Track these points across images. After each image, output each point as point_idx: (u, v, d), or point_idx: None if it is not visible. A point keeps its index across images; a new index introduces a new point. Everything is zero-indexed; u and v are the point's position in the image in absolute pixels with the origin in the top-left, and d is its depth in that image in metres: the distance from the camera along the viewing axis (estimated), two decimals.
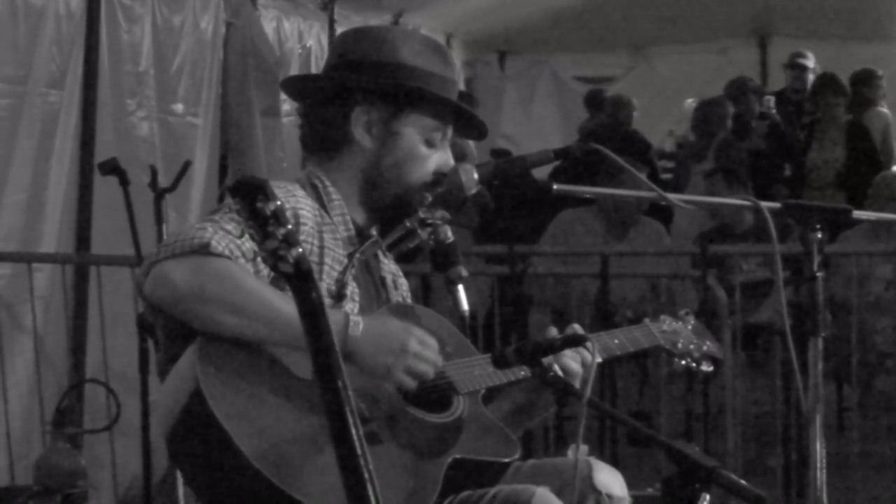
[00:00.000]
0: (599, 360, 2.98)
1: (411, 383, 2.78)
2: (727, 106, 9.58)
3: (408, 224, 2.97)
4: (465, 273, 2.94)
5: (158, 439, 2.78)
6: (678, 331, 3.30)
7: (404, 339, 2.77)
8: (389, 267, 3.13)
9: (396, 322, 2.82)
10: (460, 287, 2.92)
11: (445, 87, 3.00)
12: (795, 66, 10.68)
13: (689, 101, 11.76)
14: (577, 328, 2.94)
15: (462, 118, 3.08)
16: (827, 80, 9.37)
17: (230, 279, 2.69)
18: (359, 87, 2.97)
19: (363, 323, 2.75)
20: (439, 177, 3.00)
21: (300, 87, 3.13)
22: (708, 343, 3.34)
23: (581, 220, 7.50)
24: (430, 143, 3.00)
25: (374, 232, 3.04)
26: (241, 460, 2.56)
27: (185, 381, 2.64)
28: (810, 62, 10.65)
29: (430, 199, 2.97)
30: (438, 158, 3.01)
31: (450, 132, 3.05)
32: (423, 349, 2.79)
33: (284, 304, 2.65)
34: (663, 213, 8.05)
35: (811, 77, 10.39)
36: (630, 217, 7.45)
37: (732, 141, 9.35)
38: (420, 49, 3.01)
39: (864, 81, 9.96)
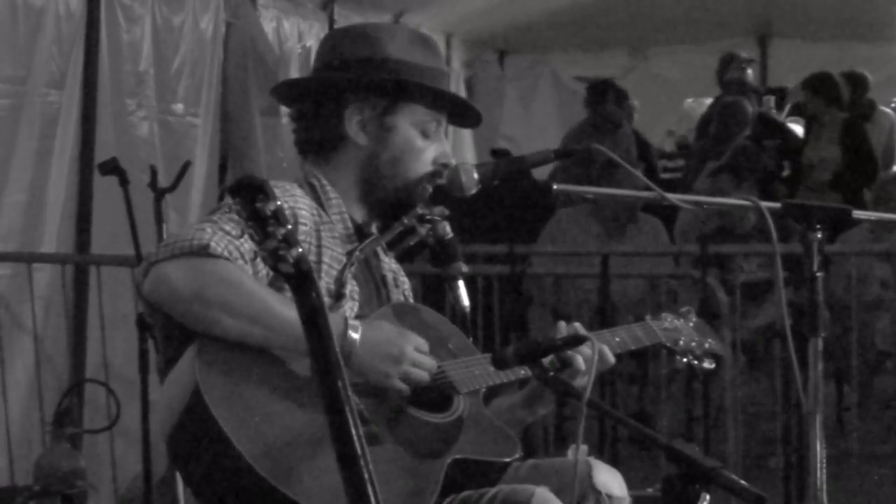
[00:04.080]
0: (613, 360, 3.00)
1: (407, 390, 2.79)
2: (748, 106, 9.57)
3: (406, 221, 2.98)
4: (464, 269, 2.94)
5: (158, 439, 2.78)
6: (680, 328, 3.29)
7: (402, 346, 2.78)
8: (390, 265, 3.13)
9: (394, 328, 2.82)
10: (460, 283, 2.92)
11: (435, 78, 3.01)
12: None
13: (689, 100, 11.76)
14: (578, 327, 2.94)
15: (455, 107, 3.10)
16: (820, 79, 9.35)
17: (229, 281, 2.69)
18: (349, 85, 2.98)
19: (361, 327, 2.75)
20: (440, 167, 3.01)
21: (290, 91, 3.13)
22: (710, 340, 3.33)
23: (578, 219, 7.50)
24: (425, 135, 3.01)
25: (373, 230, 3.05)
26: (239, 461, 2.56)
27: (185, 383, 2.64)
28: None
29: (430, 190, 2.98)
30: (436, 148, 3.02)
31: (444, 121, 3.06)
32: (420, 356, 2.80)
33: (283, 307, 2.66)
34: (666, 212, 8.04)
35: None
36: (627, 215, 7.45)
37: (751, 143, 9.32)
38: (407, 43, 3.02)
39: (859, 84, 9.99)
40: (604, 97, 9.73)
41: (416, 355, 2.79)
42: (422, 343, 2.82)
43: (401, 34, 3.06)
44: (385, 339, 2.77)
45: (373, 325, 2.79)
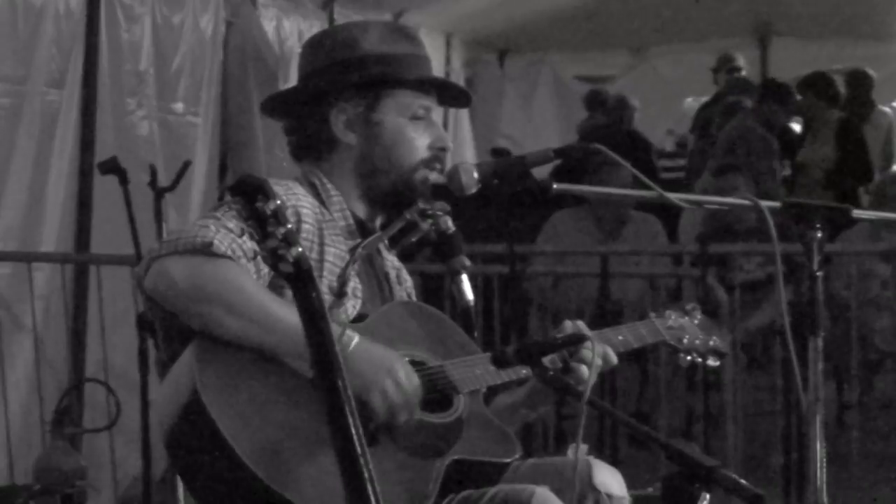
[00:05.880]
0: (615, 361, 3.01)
1: (382, 409, 2.74)
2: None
3: (408, 216, 2.97)
4: (468, 263, 2.94)
5: (158, 439, 2.77)
6: (684, 326, 3.27)
7: (392, 366, 2.75)
8: (393, 263, 3.13)
9: (393, 353, 2.79)
10: (464, 277, 2.92)
11: (413, 65, 3.03)
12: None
13: (689, 100, 11.77)
14: (580, 325, 2.94)
15: (443, 90, 3.10)
16: (816, 79, 9.34)
17: (230, 280, 2.69)
18: (329, 88, 3.00)
19: (357, 338, 2.73)
20: (437, 151, 3.01)
21: (277, 105, 3.14)
22: (714, 338, 3.30)
23: (575, 219, 7.49)
24: (415, 122, 3.01)
25: (376, 226, 3.05)
26: (236, 462, 2.56)
27: (183, 382, 2.64)
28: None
29: (430, 180, 2.97)
30: (430, 134, 3.03)
31: (434, 106, 3.06)
32: (408, 381, 2.76)
33: (283, 310, 2.65)
34: (669, 212, 8.03)
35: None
36: (620, 214, 7.44)
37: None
38: (381, 35, 3.03)
39: (861, 82, 9.98)
40: (770, 95, 9.57)
41: (404, 380, 2.74)
42: (413, 376, 2.77)
43: (374, 28, 3.06)
44: (379, 355, 2.75)
45: (370, 343, 2.76)
